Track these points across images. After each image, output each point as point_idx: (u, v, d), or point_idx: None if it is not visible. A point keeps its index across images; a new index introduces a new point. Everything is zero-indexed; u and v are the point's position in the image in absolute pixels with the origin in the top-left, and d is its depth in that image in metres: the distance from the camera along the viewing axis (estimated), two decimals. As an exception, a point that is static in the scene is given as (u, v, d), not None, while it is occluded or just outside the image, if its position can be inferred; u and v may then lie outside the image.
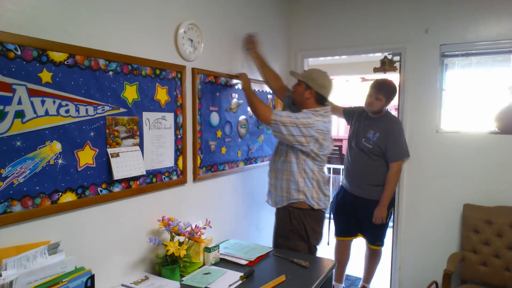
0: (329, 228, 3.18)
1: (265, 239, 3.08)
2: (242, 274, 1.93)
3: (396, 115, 3.05)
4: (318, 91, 2.27)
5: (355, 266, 3.59)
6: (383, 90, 2.84)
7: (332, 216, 3.23)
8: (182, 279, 1.89)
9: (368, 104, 2.91)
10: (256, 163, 2.89)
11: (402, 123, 2.95)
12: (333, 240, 3.25)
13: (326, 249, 2.75)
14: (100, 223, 1.68)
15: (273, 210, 2.40)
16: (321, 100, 2.31)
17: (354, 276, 3.68)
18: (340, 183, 3.26)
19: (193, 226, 1.96)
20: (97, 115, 1.63)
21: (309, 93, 2.28)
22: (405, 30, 2.95)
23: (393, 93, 2.89)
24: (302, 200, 2.30)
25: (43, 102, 1.42)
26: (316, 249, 2.44)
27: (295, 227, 2.32)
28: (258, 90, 2.87)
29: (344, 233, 3.18)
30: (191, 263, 2.02)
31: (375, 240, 3.10)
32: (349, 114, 3.15)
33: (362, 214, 3.01)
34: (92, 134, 1.61)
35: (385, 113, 2.96)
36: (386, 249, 3.20)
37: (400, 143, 2.88)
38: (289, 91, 2.59)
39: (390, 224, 3.11)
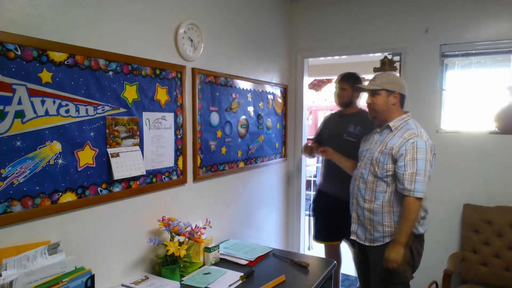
0: (309, 232, 2.96)
1: (265, 239, 3.08)
2: (242, 274, 1.93)
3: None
4: (402, 92, 2.14)
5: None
6: (346, 80, 2.73)
7: (313, 219, 3.03)
8: (182, 279, 1.89)
9: (336, 98, 2.80)
10: (256, 163, 2.89)
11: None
12: (317, 245, 3.04)
13: (318, 251, 2.66)
14: (100, 223, 1.68)
15: (273, 209, 2.37)
16: (403, 102, 2.18)
17: (353, 276, 3.67)
18: (318, 187, 3.04)
19: (193, 226, 1.96)
20: (97, 115, 1.63)
21: (394, 98, 2.12)
22: (405, 30, 2.95)
23: (357, 82, 2.72)
24: None
25: (43, 102, 1.42)
26: None
27: (405, 255, 2.05)
28: (258, 90, 2.88)
29: (330, 237, 2.91)
30: (191, 263, 2.02)
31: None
32: (322, 133, 2.96)
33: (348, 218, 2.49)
34: (92, 134, 1.61)
35: (360, 110, 2.78)
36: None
37: None
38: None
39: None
